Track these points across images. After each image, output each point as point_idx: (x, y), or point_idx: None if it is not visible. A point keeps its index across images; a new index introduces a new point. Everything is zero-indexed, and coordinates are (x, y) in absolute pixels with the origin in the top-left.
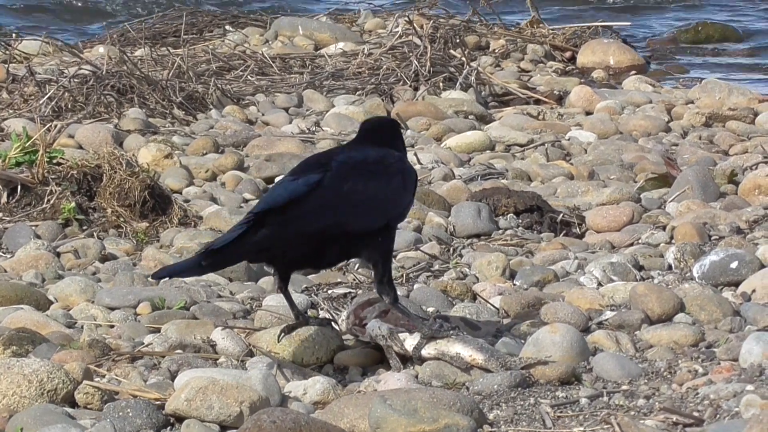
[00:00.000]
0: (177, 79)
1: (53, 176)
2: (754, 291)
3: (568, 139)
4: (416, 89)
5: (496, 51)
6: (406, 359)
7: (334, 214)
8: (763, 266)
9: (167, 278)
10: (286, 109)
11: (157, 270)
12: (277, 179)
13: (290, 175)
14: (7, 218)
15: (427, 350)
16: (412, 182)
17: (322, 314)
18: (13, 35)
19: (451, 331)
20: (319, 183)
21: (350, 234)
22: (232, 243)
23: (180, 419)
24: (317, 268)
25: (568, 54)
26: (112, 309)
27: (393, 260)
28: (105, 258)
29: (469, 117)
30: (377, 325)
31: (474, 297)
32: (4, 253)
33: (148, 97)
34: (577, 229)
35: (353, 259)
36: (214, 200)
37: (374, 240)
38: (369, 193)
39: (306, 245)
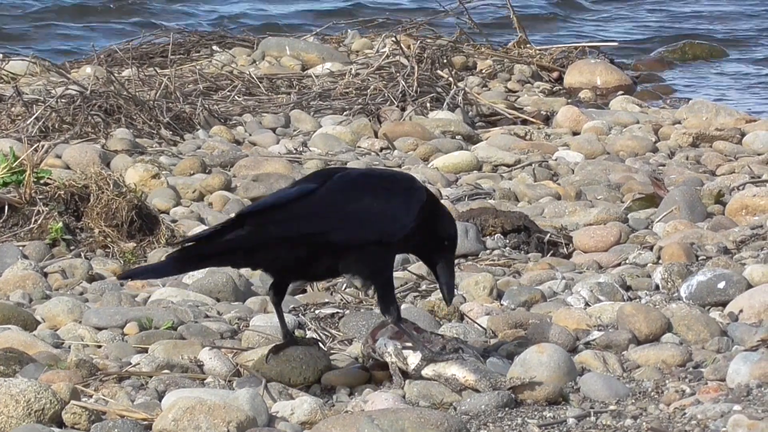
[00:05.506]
0: (164, 99)
1: (40, 196)
2: (741, 311)
3: (555, 160)
4: (403, 109)
5: (483, 71)
6: (408, 376)
7: (318, 223)
8: (750, 286)
9: (132, 279)
10: (274, 130)
11: (125, 272)
12: None
13: (291, 185)
14: None
15: (426, 371)
16: (417, 202)
17: (310, 334)
18: (0, 56)
19: (452, 355)
20: (312, 192)
21: (337, 246)
22: (205, 239)
23: None
24: (306, 279)
25: (555, 74)
26: (100, 329)
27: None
28: (92, 278)
29: (457, 137)
30: (384, 342)
31: (461, 317)
32: None
33: (135, 117)
34: (565, 249)
35: (342, 278)
36: (201, 220)
37: (365, 255)
38: (362, 206)
39: (287, 252)
